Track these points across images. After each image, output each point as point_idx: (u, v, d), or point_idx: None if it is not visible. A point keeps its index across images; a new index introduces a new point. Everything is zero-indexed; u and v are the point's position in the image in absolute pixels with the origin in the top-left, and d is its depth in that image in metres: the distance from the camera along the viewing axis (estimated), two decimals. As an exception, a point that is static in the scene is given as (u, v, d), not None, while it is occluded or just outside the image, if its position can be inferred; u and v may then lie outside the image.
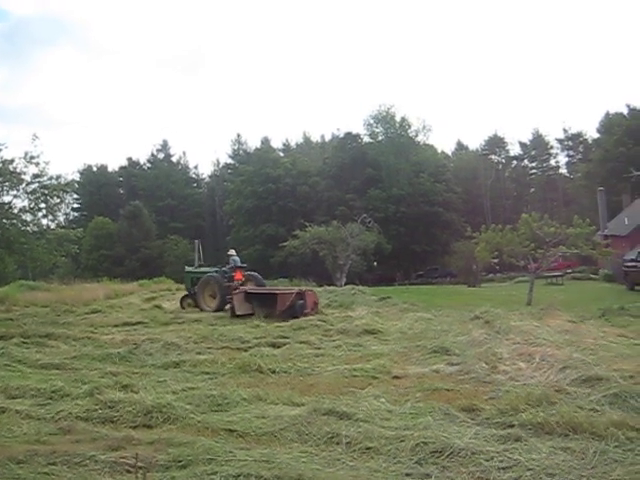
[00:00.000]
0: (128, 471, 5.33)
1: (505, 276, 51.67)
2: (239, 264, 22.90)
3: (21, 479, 5.13)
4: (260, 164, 73.57)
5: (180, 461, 5.51)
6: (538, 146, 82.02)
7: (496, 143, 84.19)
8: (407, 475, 5.20)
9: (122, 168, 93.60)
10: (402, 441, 5.92)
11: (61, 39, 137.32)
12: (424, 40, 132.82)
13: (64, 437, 6.59)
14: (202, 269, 23.92)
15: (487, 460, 5.39)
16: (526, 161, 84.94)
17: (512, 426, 6.38)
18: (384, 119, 72.95)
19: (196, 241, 29.62)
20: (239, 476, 5.06)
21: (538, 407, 6.81)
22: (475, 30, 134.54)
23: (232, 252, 23.52)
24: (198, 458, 5.54)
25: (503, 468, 5.26)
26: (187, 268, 24.63)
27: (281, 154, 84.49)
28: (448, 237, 61.14)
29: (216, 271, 22.75)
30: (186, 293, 23.77)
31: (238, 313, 18.70)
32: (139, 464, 5.02)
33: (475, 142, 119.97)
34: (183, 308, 22.50)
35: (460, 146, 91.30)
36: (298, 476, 5.02)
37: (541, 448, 5.62)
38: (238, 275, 22.04)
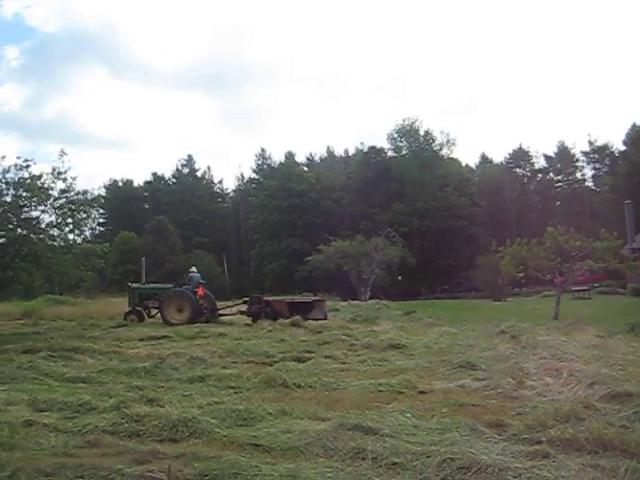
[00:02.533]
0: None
1: (531, 290, 51.13)
2: (199, 280, 24.42)
3: (49, 492, 5.14)
4: (284, 179, 73.86)
5: (206, 475, 5.48)
6: (563, 159, 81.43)
7: (521, 156, 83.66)
8: (434, 491, 5.14)
9: (147, 183, 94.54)
10: (428, 457, 5.85)
11: (87, 55, 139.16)
12: (447, 53, 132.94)
13: (91, 450, 6.60)
14: (151, 285, 25.38)
15: (515, 477, 5.30)
16: (551, 174, 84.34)
17: (540, 442, 6.26)
18: (408, 133, 72.91)
19: (142, 259, 31.05)
20: (265, 491, 5.05)
21: (566, 423, 6.69)
22: (499, 42, 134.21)
23: (193, 269, 25.21)
24: (224, 472, 5.52)
25: (531, 485, 5.17)
26: (133, 285, 25.56)
27: (305, 168, 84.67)
28: (473, 251, 60.69)
29: (172, 287, 24.56)
30: (129, 309, 24.81)
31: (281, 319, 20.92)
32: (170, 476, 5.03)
33: (500, 155, 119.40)
34: (125, 323, 23.21)
35: (484, 159, 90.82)
36: (324, 492, 5.00)
37: (570, 465, 5.52)
38: (200, 291, 23.94)
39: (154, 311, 24.65)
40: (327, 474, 5.59)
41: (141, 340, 17.24)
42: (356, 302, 34.95)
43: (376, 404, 8.48)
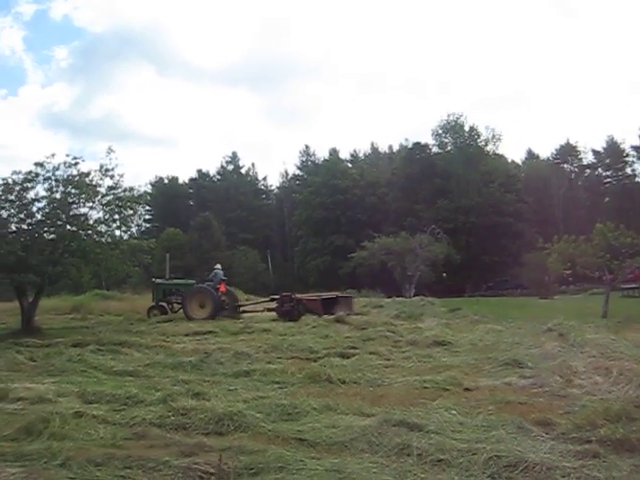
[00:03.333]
0: (201, 477, 5.40)
1: (578, 288, 50.17)
2: (222, 277, 25.16)
3: (99, 480, 5.23)
4: (328, 175, 73.90)
5: (252, 469, 5.54)
6: (613, 154, 79.66)
7: (568, 151, 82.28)
8: (480, 488, 5.09)
9: (192, 180, 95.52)
10: (474, 454, 5.80)
11: (133, 54, 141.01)
12: (492, 47, 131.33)
13: (138, 442, 6.72)
14: (174, 281, 25.86)
15: (563, 476, 5.23)
16: (600, 169, 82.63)
17: (590, 442, 6.15)
18: (453, 129, 72.32)
19: (167, 254, 31.38)
20: (311, 485, 5.06)
21: (617, 423, 6.54)
22: (545, 34, 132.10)
23: (218, 266, 25.58)
24: (269, 466, 5.57)
25: (581, 485, 5.08)
26: (157, 280, 25.97)
27: (349, 165, 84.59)
28: (519, 248, 59.87)
29: (195, 283, 25.19)
30: (153, 304, 25.56)
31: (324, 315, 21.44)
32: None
33: (546, 151, 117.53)
34: (149, 317, 24.17)
35: (531, 155, 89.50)
36: (369, 487, 4.99)
37: (621, 466, 5.41)
38: (222, 287, 24.53)
39: (177, 306, 25.24)
40: (372, 470, 5.59)
41: (187, 335, 17.46)
42: (400, 299, 34.80)
43: (421, 400, 8.44)
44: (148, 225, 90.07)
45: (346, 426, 7.02)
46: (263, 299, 26.73)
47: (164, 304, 25.48)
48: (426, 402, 8.30)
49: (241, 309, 25.01)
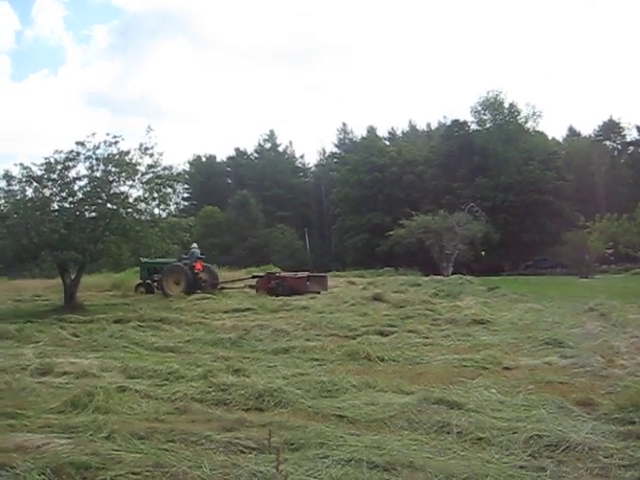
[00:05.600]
0: (242, 452, 5.47)
1: (620, 267, 49.33)
2: (199, 255, 26.07)
3: (144, 454, 5.32)
4: (366, 153, 73.40)
5: (292, 444, 5.59)
6: (657, 131, 77.87)
7: (611, 128, 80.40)
8: (521, 467, 5.05)
9: (230, 158, 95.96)
10: (515, 433, 5.79)
11: (171, 32, 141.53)
12: (531, 21, 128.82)
13: (180, 417, 6.85)
14: (158, 260, 25.83)
15: (606, 457, 5.19)
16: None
17: (633, 423, 6.09)
18: (492, 106, 71.13)
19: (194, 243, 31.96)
20: (351, 461, 5.08)
21: (661, 404, 6.48)
22: (587, 5, 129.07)
23: (194, 245, 26.10)
24: (310, 442, 5.62)
25: (624, 466, 5.03)
26: (142, 259, 26.50)
27: (387, 143, 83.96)
28: (558, 226, 58.97)
29: (175, 261, 25.56)
30: (140, 282, 26.82)
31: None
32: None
33: (588, 128, 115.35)
34: (136, 293, 26.02)
35: (572, 132, 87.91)
36: (409, 463, 5.01)
37: (665, 447, 5.36)
38: (198, 265, 25.45)
39: None
40: (411, 447, 5.61)
41: (225, 312, 17.64)
42: (438, 277, 34.61)
43: (460, 379, 8.44)
44: (186, 203, 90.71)
45: (385, 403, 7.06)
46: (245, 277, 28.26)
47: (149, 282, 26.36)
48: (465, 381, 8.31)
49: (219, 286, 26.06)
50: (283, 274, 26.47)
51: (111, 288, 28.06)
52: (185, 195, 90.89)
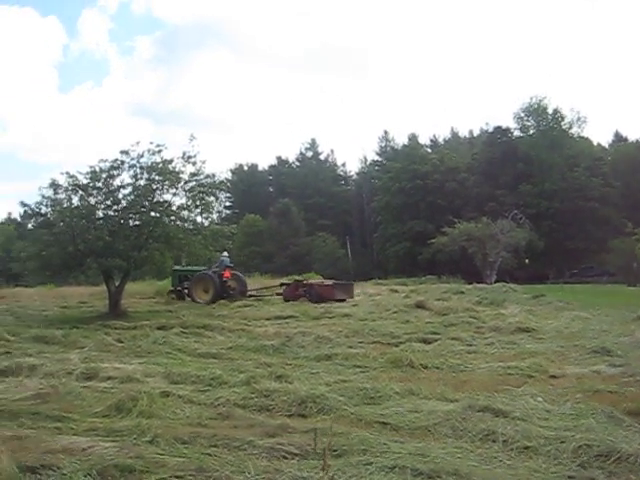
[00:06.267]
0: (285, 457, 5.44)
1: (671, 275, 48.34)
2: (228, 264, 26.28)
3: (187, 458, 5.33)
4: (407, 160, 73.08)
5: (335, 450, 5.53)
6: None
7: (659, 134, 79.13)
8: (570, 478, 4.94)
9: (272, 167, 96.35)
10: (563, 442, 5.65)
11: (213, 42, 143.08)
12: (575, 24, 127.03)
13: (223, 422, 6.85)
14: (189, 267, 26.77)
15: (659, 469, 5.04)
16: (695, 152, 78.93)
17: (686, 434, 5.90)
18: (535, 111, 70.27)
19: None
20: (394, 468, 5.02)
21: None
22: (627, 9, 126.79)
23: (225, 254, 25.99)
24: (353, 448, 5.57)
25: (678, 479, 4.87)
26: (174, 267, 27.14)
27: (429, 150, 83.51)
28: (605, 234, 57.96)
29: (205, 269, 25.85)
30: (171, 289, 27.25)
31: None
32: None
33: (635, 132, 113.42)
34: (167, 298, 26.59)
35: (618, 137, 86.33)
36: (454, 471, 4.92)
37: None
38: (227, 273, 25.86)
39: None
40: (456, 454, 5.53)
41: (268, 319, 17.72)
42: (481, 285, 34.27)
43: (505, 387, 8.30)
44: (228, 211, 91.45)
45: (429, 411, 6.97)
46: (273, 285, 28.54)
47: (180, 289, 26.68)
48: (511, 389, 8.17)
49: (248, 294, 26.45)
50: (310, 281, 26.94)
51: (154, 295, 28.39)
52: (227, 204, 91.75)
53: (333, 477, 4.79)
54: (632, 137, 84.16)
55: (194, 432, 6.17)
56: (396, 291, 29.20)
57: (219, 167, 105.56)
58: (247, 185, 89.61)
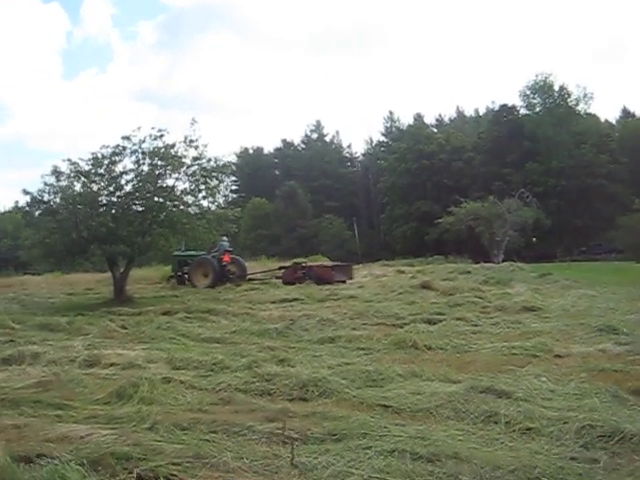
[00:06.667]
0: (284, 442, 5.39)
1: (678, 251, 48.06)
2: (227, 248, 26.27)
3: (185, 444, 5.28)
4: (413, 141, 72.87)
5: (335, 434, 5.49)
6: None
7: (667, 109, 78.41)
8: (572, 459, 4.84)
9: (277, 150, 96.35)
10: (566, 423, 5.58)
11: (217, 25, 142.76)
12: (579, 2, 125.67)
13: (224, 407, 6.80)
14: (188, 252, 26.59)
15: (664, 449, 4.96)
16: (702, 127, 78.22)
17: (693, 413, 5.81)
18: (541, 89, 69.82)
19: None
20: (394, 451, 4.95)
21: None
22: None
23: (224, 238, 25.84)
24: (353, 432, 5.50)
25: (682, 459, 4.78)
26: (174, 252, 26.68)
27: (434, 130, 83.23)
28: (613, 211, 57.69)
29: (204, 254, 25.91)
30: (172, 274, 27.60)
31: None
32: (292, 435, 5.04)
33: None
34: (168, 283, 27.25)
35: (626, 113, 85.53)
36: (454, 454, 4.85)
37: None
38: (226, 257, 25.89)
39: None
40: (458, 437, 5.47)
41: (273, 302, 17.63)
42: (488, 264, 34.10)
43: (509, 367, 8.23)
44: (234, 195, 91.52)
45: (431, 393, 6.90)
46: (272, 268, 28.44)
47: (180, 274, 26.81)
48: (514, 369, 8.10)
49: (248, 277, 26.49)
50: (309, 264, 26.94)
51: (160, 280, 28.44)
52: (233, 187, 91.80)
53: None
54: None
55: (194, 418, 6.12)
56: (403, 272, 29.05)
57: (225, 151, 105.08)
58: (253, 168, 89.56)
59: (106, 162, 20.03)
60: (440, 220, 53.80)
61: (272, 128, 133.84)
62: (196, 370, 8.77)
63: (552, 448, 5.12)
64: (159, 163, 20.18)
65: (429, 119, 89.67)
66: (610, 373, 7.81)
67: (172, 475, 4.67)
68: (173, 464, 4.83)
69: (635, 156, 68.83)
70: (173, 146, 20.43)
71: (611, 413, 5.83)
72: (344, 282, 23.92)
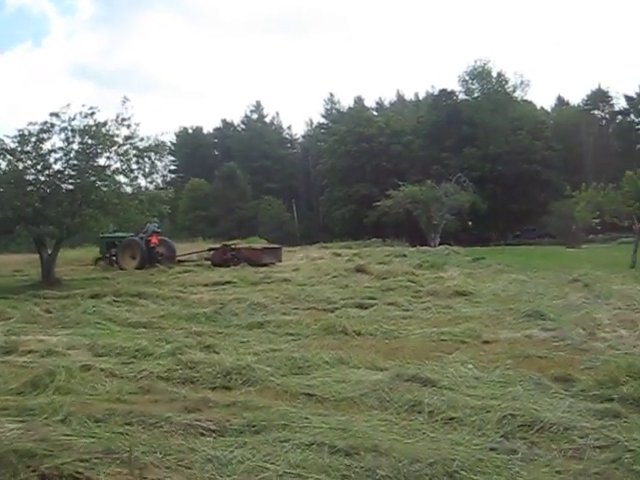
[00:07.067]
0: (202, 434, 5.21)
1: (607, 237, 49.45)
2: (155, 229, 26.26)
3: (97, 438, 5.03)
4: (353, 123, 72.86)
5: (254, 426, 5.33)
6: (646, 99, 77.24)
7: (599, 97, 79.93)
8: (492, 450, 4.80)
9: (217, 130, 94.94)
10: (488, 412, 5.54)
11: (158, 2, 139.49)
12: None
13: (143, 397, 6.59)
14: (116, 234, 26.32)
15: (581, 437, 4.94)
16: (632, 116, 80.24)
17: (611, 400, 5.86)
18: (480, 75, 70.62)
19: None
20: (312, 445, 4.81)
21: (641, 380, 6.24)
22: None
23: (154, 220, 25.57)
24: (272, 424, 5.35)
25: (599, 447, 4.77)
26: (101, 235, 26.39)
27: (374, 113, 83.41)
28: (547, 196, 58.90)
29: (132, 236, 25.62)
30: (100, 256, 27.39)
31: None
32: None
33: (577, 97, 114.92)
34: (95, 266, 26.76)
35: (560, 101, 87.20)
36: (374, 447, 4.72)
37: (644, 427, 5.12)
38: (154, 239, 25.84)
39: None
40: (380, 428, 5.37)
41: (205, 285, 17.40)
42: (425, 248, 34.46)
43: (437, 354, 8.22)
44: (173, 175, 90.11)
45: (357, 381, 6.82)
46: (201, 249, 28.62)
47: (108, 256, 26.58)
48: (442, 355, 8.10)
49: (177, 259, 26.47)
50: (239, 246, 27.12)
51: (93, 262, 27.70)
52: (172, 167, 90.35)
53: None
54: (573, 101, 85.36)
55: (109, 409, 5.86)
56: (339, 255, 29.07)
57: (165, 130, 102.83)
58: (192, 148, 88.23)
59: (33, 139, 19.26)
60: (378, 203, 54.00)
61: (212, 108, 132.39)
62: (118, 357, 8.48)
63: (473, 438, 5.06)
64: (90, 142, 19.53)
65: (369, 102, 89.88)
66: (535, 359, 7.88)
67: (78, 473, 4.39)
68: (81, 460, 4.56)
69: (568, 143, 70.44)
70: (105, 124, 19.81)
71: (533, 401, 5.84)
72: (273, 264, 24.15)
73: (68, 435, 5.11)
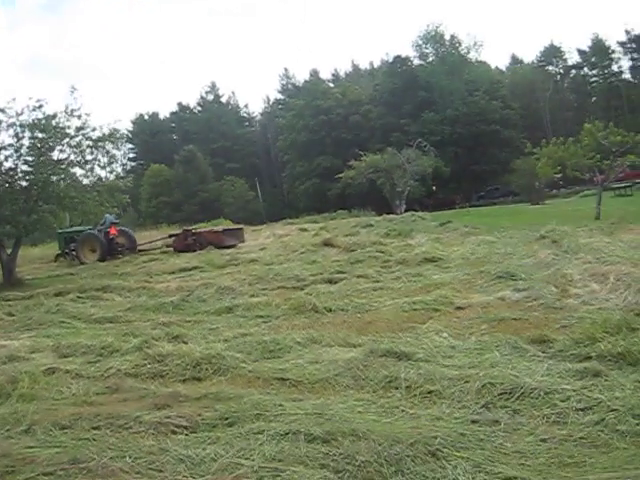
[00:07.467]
0: (173, 432, 4.98)
1: (570, 191, 49.83)
2: (113, 220, 25.84)
3: (62, 447, 4.77)
4: (310, 97, 72.39)
5: (227, 418, 5.11)
6: (598, 52, 77.33)
7: (553, 53, 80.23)
8: (473, 422, 4.66)
9: (173, 114, 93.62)
10: (467, 382, 5.40)
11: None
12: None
13: (111, 396, 6.30)
14: (74, 228, 26.10)
15: (563, 400, 4.82)
16: (586, 69, 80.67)
17: (589, 358, 5.76)
18: (433, 39, 70.54)
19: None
20: (288, 434, 4.60)
21: (617, 335, 6.10)
22: None
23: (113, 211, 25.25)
24: (245, 414, 5.13)
25: (582, 409, 4.67)
26: (58, 230, 25.85)
27: (331, 85, 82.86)
28: (508, 155, 59.08)
29: (90, 229, 25.31)
30: (59, 252, 26.81)
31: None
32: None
33: (530, 54, 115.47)
34: (56, 262, 26.18)
35: (515, 60, 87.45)
36: (352, 431, 4.51)
37: (624, 384, 4.99)
38: (112, 230, 25.43)
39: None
40: (357, 408, 5.21)
41: (172, 273, 17.09)
42: (391, 216, 34.36)
43: (410, 324, 8.09)
44: (133, 163, 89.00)
45: (330, 360, 6.63)
46: (161, 236, 28.57)
47: (68, 251, 26.04)
48: (415, 326, 7.96)
49: (138, 249, 26.25)
50: (199, 230, 26.91)
51: (56, 259, 27.15)
52: (131, 155, 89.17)
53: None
54: (527, 59, 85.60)
55: (75, 413, 5.56)
56: (305, 230, 28.85)
57: (118, 118, 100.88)
58: (149, 135, 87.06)
59: (-21, 138, 18.66)
60: (341, 175, 53.81)
61: (168, 93, 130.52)
62: (84, 356, 8.15)
63: (453, 412, 4.93)
64: (40, 136, 18.99)
65: (325, 74, 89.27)
66: (510, 322, 7.76)
67: (41, 488, 4.17)
68: (44, 474, 4.31)
69: (525, 101, 70.80)
70: (54, 117, 19.28)
71: (511, 367, 5.71)
72: (235, 246, 24.00)
73: (32, 447, 4.84)
